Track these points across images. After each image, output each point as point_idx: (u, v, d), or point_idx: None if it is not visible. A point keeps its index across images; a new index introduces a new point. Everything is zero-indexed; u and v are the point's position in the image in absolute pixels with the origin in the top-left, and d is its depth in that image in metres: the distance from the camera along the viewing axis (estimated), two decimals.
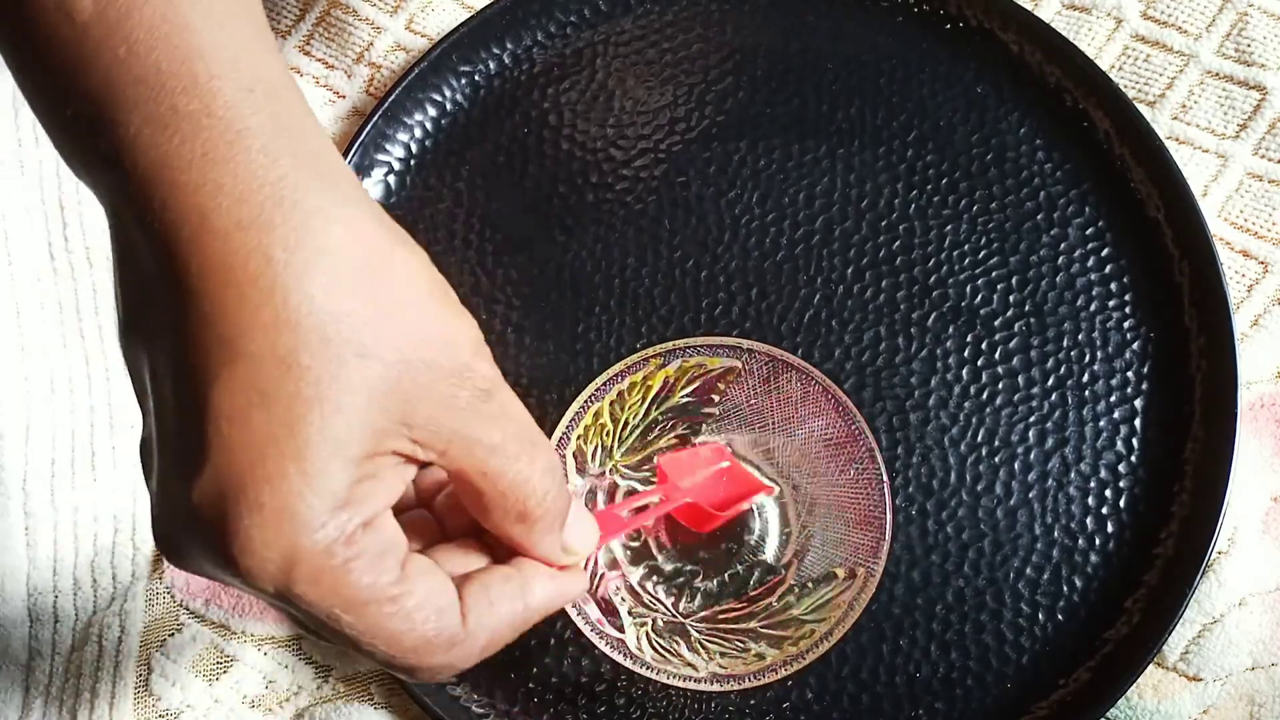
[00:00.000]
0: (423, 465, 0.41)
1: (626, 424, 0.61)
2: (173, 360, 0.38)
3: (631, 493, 0.62)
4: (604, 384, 0.59)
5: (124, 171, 0.39)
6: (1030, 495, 0.63)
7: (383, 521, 0.40)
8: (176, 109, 0.39)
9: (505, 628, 0.43)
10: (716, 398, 0.61)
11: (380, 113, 0.68)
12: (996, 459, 0.63)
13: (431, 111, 0.69)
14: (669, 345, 0.59)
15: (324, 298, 0.38)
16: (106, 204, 0.41)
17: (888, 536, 0.57)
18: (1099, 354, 0.64)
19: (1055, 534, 0.62)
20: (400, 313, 0.39)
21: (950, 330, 0.65)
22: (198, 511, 0.37)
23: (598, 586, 0.60)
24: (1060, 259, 0.65)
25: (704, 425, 0.62)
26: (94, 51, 0.39)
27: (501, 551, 0.45)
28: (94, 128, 0.40)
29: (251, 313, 0.37)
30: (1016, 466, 0.63)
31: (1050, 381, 0.64)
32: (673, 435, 0.62)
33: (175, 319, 0.38)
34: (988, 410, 0.64)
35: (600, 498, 0.61)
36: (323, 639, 0.42)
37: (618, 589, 0.60)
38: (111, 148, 0.39)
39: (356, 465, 0.38)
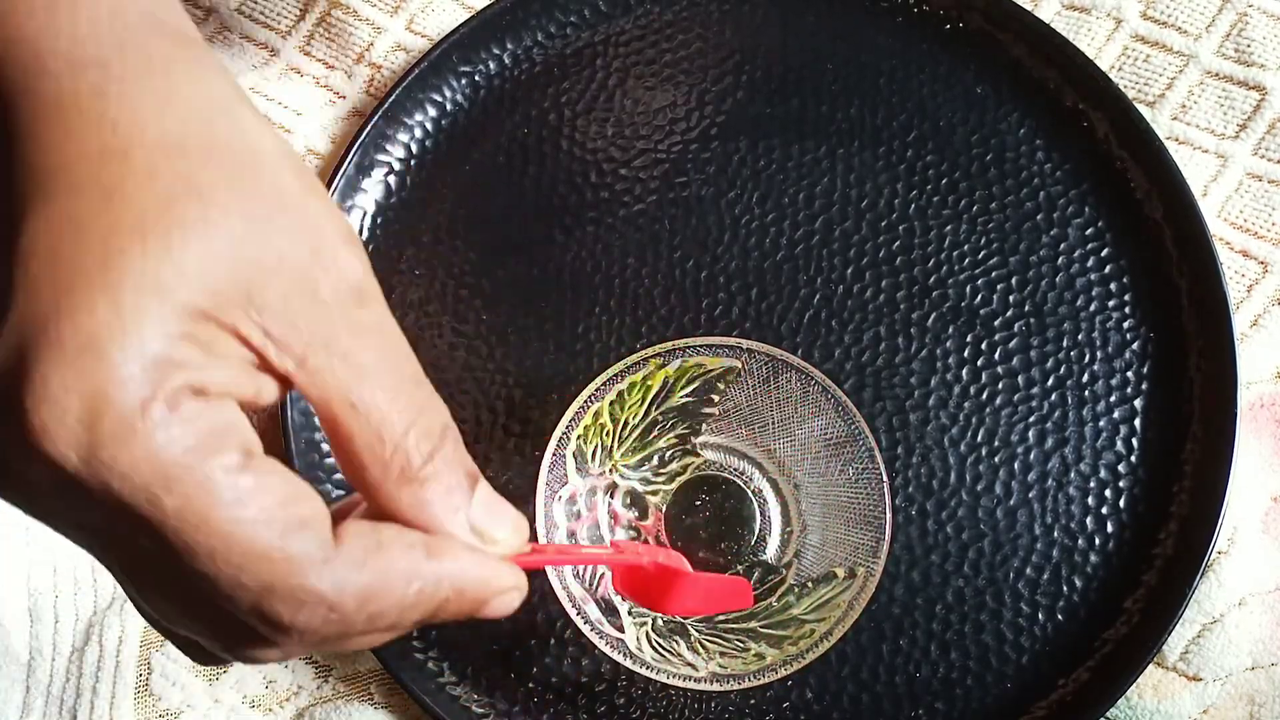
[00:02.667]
0: (282, 380, 0.34)
1: (626, 424, 0.61)
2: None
3: (631, 492, 0.62)
4: (604, 384, 0.59)
5: None
6: (1030, 495, 0.63)
7: (224, 403, 0.33)
8: None
9: (398, 581, 0.35)
10: (716, 398, 0.61)
11: (380, 113, 0.68)
12: (996, 459, 0.63)
13: (431, 111, 0.69)
14: (669, 345, 0.59)
15: (160, 131, 0.33)
16: None
17: (887, 536, 0.57)
18: (1099, 354, 0.64)
19: (1055, 534, 0.62)
20: (253, 168, 0.34)
21: (950, 330, 0.65)
22: None
23: (598, 586, 0.60)
24: (1060, 259, 0.65)
25: (704, 425, 0.62)
26: None
27: None
28: None
29: (76, 145, 0.33)
30: (1016, 466, 0.63)
31: (1050, 381, 0.64)
32: (673, 435, 0.62)
33: (3, 177, 0.34)
34: (988, 410, 0.64)
35: (600, 497, 0.61)
36: (143, 577, 0.34)
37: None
38: None
39: (181, 319, 0.31)
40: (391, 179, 0.68)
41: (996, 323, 0.65)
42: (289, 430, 0.63)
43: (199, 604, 0.33)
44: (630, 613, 0.59)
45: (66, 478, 0.31)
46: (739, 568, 0.61)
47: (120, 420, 0.30)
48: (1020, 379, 0.64)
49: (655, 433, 0.62)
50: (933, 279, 0.65)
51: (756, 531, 0.62)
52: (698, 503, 0.62)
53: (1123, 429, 0.63)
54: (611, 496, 0.62)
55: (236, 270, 0.32)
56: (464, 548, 0.37)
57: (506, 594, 0.38)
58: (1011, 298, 0.65)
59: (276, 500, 0.33)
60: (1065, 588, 0.62)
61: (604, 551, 0.53)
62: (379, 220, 0.68)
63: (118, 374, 0.30)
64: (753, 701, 0.61)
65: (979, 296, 0.65)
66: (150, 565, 0.33)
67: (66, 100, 0.33)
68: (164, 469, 0.31)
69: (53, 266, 0.31)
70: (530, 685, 0.63)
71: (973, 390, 0.64)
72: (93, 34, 0.34)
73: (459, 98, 0.69)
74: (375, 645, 0.38)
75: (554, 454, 0.58)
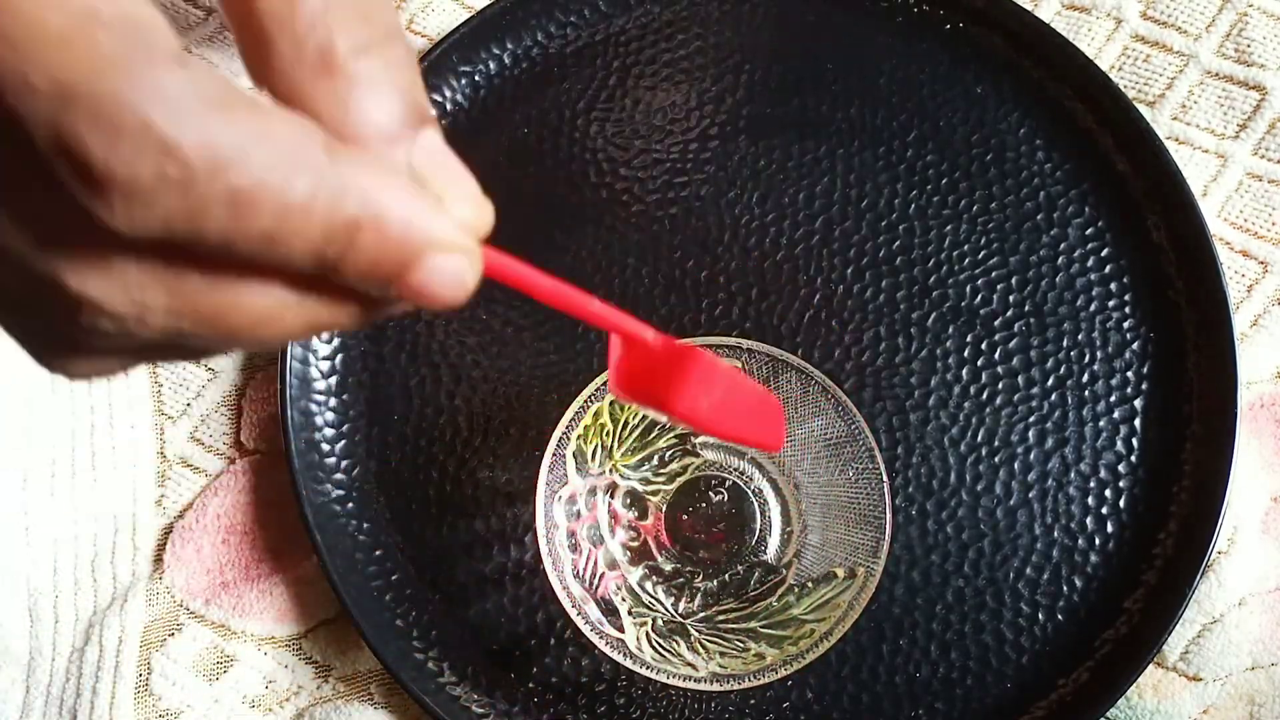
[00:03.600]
0: None
1: (626, 424, 0.61)
2: None
3: (631, 492, 0.62)
4: (604, 384, 0.59)
5: None
6: (1030, 495, 0.63)
7: None
8: None
9: (278, 159, 0.26)
10: None
11: None
12: (996, 459, 0.63)
13: (431, 111, 0.69)
14: None
15: None
16: None
17: (887, 536, 0.57)
18: (1099, 354, 0.64)
19: (1055, 534, 0.63)
20: None
21: (950, 330, 0.65)
22: None
23: (598, 586, 0.60)
24: (1060, 259, 0.65)
25: None
26: None
27: None
28: None
29: None
30: (1016, 466, 0.63)
31: (1050, 381, 0.64)
32: (672, 435, 0.62)
33: None
34: (988, 410, 0.64)
35: (600, 497, 0.61)
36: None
37: (618, 589, 0.60)
38: None
39: None
40: None
41: (996, 323, 0.65)
42: (289, 430, 0.63)
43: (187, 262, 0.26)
44: (630, 613, 0.59)
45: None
46: (739, 568, 0.61)
47: None
48: (1020, 379, 0.64)
49: (655, 433, 0.62)
50: (933, 279, 0.66)
51: (757, 531, 0.62)
52: (698, 503, 0.62)
53: (1123, 429, 0.63)
54: (611, 496, 0.62)
55: None
56: (390, 170, 0.29)
57: (448, 254, 0.29)
58: (1011, 298, 0.65)
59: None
60: (1065, 588, 0.62)
61: (589, 306, 0.38)
62: None
63: None
64: (752, 701, 0.62)
65: (979, 296, 0.65)
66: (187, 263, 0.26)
67: None
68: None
69: None
70: (530, 685, 0.63)
71: (973, 390, 0.64)
72: None
73: (459, 98, 0.69)
74: (256, 322, 0.28)
75: (554, 454, 0.58)
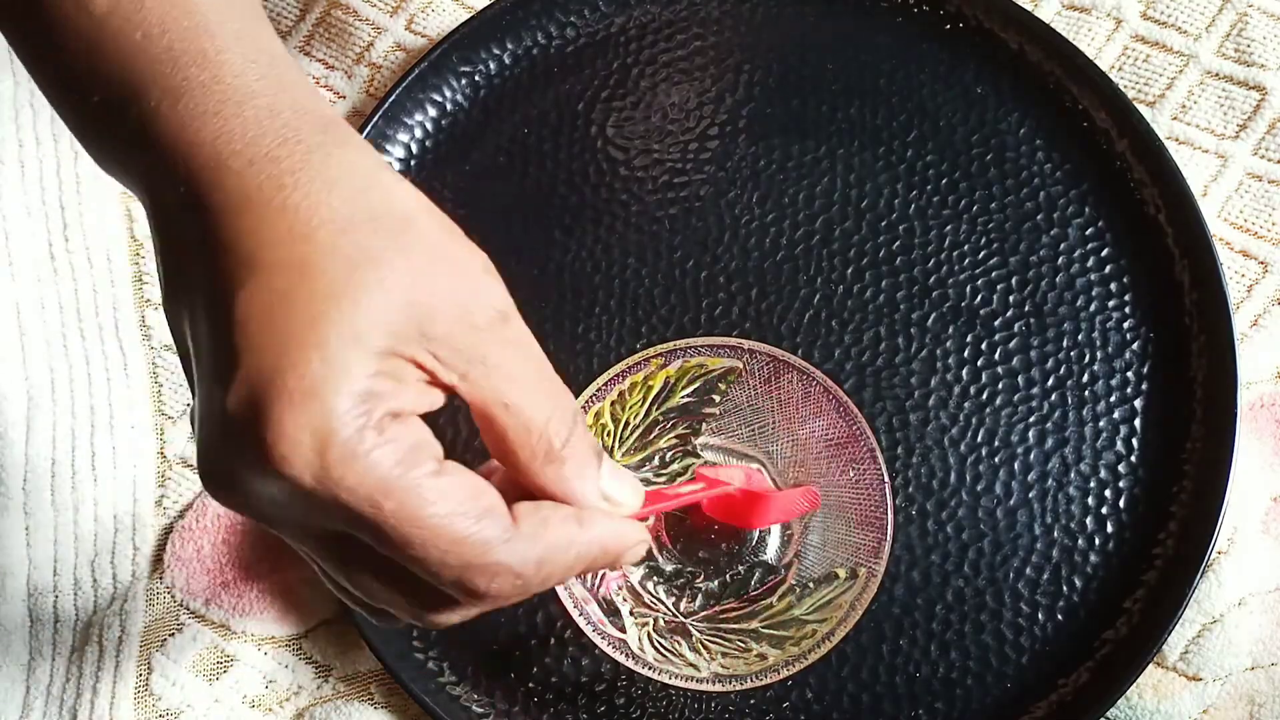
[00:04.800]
0: (447, 390, 0.41)
1: (627, 424, 0.61)
2: (207, 299, 0.40)
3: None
4: (605, 384, 0.59)
5: (150, 146, 0.42)
6: (1030, 495, 0.63)
7: (413, 421, 0.40)
8: (189, 79, 0.42)
9: (562, 546, 0.42)
10: (717, 398, 0.61)
11: (380, 113, 0.68)
12: (996, 459, 0.63)
13: (431, 111, 0.69)
14: (670, 345, 0.59)
15: (333, 213, 0.40)
16: (142, 186, 0.44)
17: (889, 537, 0.57)
18: (1099, 354, 0.64)
19: (1055, 534, 0.63)
20: (408, 230, 0.41)
21: (950, 330, 0.65)
22: (233, 419, 0.38)
23: (599, 586, 0.60)
24: (1060, 259, 0.65)
25: (705, 425, 0.62)
26: (112, 39, 0.43)
27: None
28: (118, 111, 0.43)
29: (269, 229, 0.39)
30: (1016, 466, 0.63)
31: (1050, 381, 0.64)
32: (673, 435, 0.62)
33: (206, 262, 0.40)
34: (988, 410, 0.64)
35: None
36: (354, 564, 0.42)
37: (619, 589, 0.60)
38: (137, 125, 0.42)
39: (376, 359, 0.39)
40: None
41: (996, 323, 0.65)
42: None
43: (406, 581, 0.41)
44: (632, 613, 0.59)
45: (301, 493, 0.38)
46: (740, 568, 0.61)
47: (343, 446, 0.38)
48: (1020, 379, 0.64)
49: (656, 433, 0.62)
50: (933, 279, 0.66)
51: (757, 532, 0.62)
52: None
53: (1123, 429, 0.63)
54: None
55: (409, 313, 0.39)
56: (603, 515, 0.44)
57: (637, 546, 0.46)
58: (1011, 298, 0.65)
59: (466, 495, 0.40)
60: (1065, 588, 0.62)
61: (699, 488, 0.57)
62: None
63: (337, 411, 0.38)
64: (753, 701, 0.62)
65: (979, 296, 0.65)
66: (364, 555, 0.40)
67: (251, 192, 0.40)
68: (381, 481, 0.38)
69: (269, 330, 0.38)
70: (530, 685, 0.63)
71: (973, 390, 0.64)
72: (259, 133, 0.41)
73: (459, 98, 0.69)
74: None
75: None
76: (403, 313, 0.39)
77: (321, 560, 0.43)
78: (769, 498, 0.59)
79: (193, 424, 0.41)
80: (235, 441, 0.39)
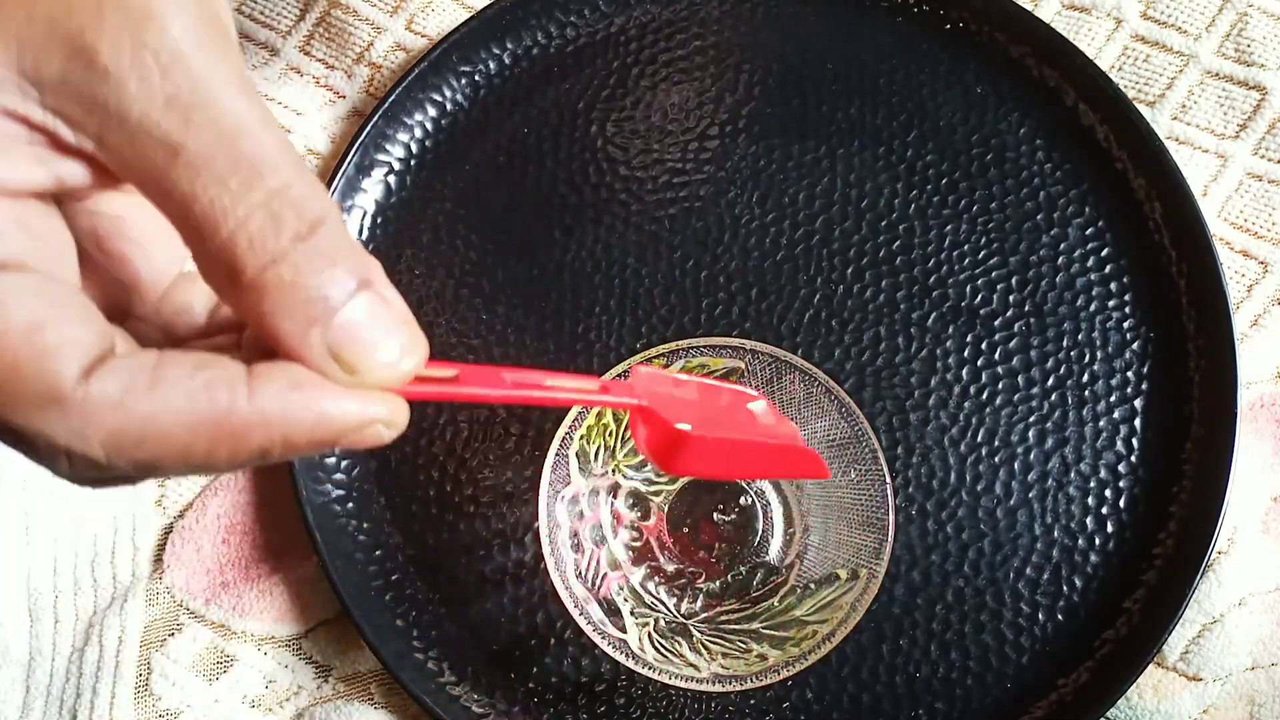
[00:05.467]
0: (79, 156, 0.30)
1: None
2: None
3: (634, 493, 0.62)
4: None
5: None
6: (1030, 495, 0.63)
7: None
8: None
9: (176, 430, 0.30)
10: None
11: (380, 113, 0.68)
12: (996, 459, 0.63)
13: (431, 111, 0.69)
14: (672, 345, 0.59)
15: None
16: None
17: (890, 538, 0.57)
18: (1099, 354, 0.64)
19: (1055, 534, 0.63)
20: None
21: (950, 330, 0.65)
22: None
23: (600, 586, 0.60)
24: (1060, 259, 0.65)
25: None
26: None
27: None
28: None
29: None
30: (1016, 466, 0.63)
31: (1050, 381, 0.64)
32: None
33: None
34: (988, 410, 0.64)
35: (603, 497, 0.61)
36: None
37: (620, 589, 0.60)
38: None
39: None
40: (391, 179, 0.68)
41: (996, 323, 0.65)
42: None
43: None
44: (633, 613, 0.59)
45: None
46: (741, 569, 0.61)
47: None
48: (1020, 379, 0.64)
49: None
50: (933, 279, 0.66)
51: (759, 532, 0.62)
52: (700, 504, 0.62)
53: (1123, 429, 0.63)
54: (614, 497, 0.62)
55: (8, 45, 0.28)
56: (296, 382, 0.31)
57: (362, 430, 0.32)
58: (1011, 298, 0.65)
59: (22, 323, 0.29)
60: (1065, 588, 0.62)
61: (574, 386, 0.38)
62: (379, 220, 0.68)
63: None
64: (753, 702, 0.62)
65: (979, 296, 0.65)
66: None
67: None
68: None
69: None
70: (530, 685, 0.63)
71: (973, 390, 0.64)
72: None
73: (459, 98, 0.69)
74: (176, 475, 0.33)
75: (558, 454, 0.58)
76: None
77: None
78: (692, 435, 0.42)
79: None
80: None
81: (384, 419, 0.32)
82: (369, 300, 0.31)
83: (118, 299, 0.35)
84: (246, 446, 0.30)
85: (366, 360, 0.31)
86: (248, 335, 0.33)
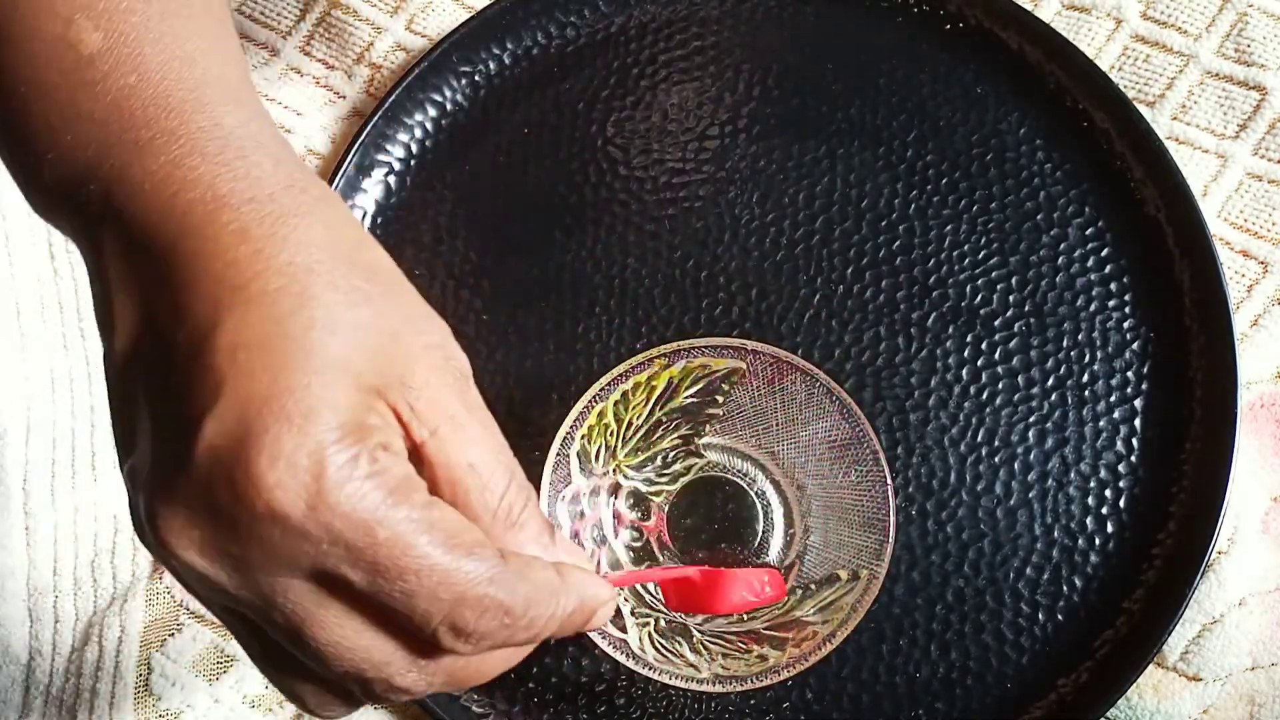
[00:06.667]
0: (413, 446, 0.41)
1: (630, 424, 0.61)
2: (185, 333, 0.39)
3: (634, 493, 0.62)
4: (608, 384, 0.59)
5: (128, 187, 0.42)
6: (1030, 495, 0.63)
7: (400, 455, 0.40)
8: (189, 124, 0.42)
9: (546, 591, 0.42)
10: (720, 399, 0.61)
11: (380, 113, 0.68)
12: (996, 459, 0.63)
13: (431, 111, 0.69)
14: (673, 346, 0.59)
15: (330, 253, 0.40)
16: (89, 238, 0.43)
17: (891, 539, 0.57)
18: (1099, 354, 0.64)
19: (1055, 534, 0.63)
20: (395, 285, 0.42)
21: (950, 330, 0.65)
22: (212, 449, 0.37)
23: None
24: (1060, 259, 0.65)
25: (707, 426, 0.62)
26: (102, 79, 0.43)
27: None
28: (91, 154, 0.42)
29: (266, 260, 0.39)
30: (1016, 466, 0.63)
31: (1050, 381, 0.64)
32: (676, 436, 0.62)
33: (185, 296, 0.39)
34: (988, 410, 0.64)
35: (603, 498, 0.61)
36: (322, 613, 0.39)
37: (620, 589, 0.60)
38: (118, 164, 0.42)
39: (367, 394, 0.39)
40: (391, 179, 0.68)
41: (996, 323, 0.65)
42: None
43: (393, 629, 0.40)
44: (633, 613, 0.59)
45: (289, 524, 0.37)
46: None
47: (339, 471, 0.37)
48: (1020, 379, 0.64)
49: (659, 433, 0.62)
50: (933, 279, 0.66)
51: (759, 533, 0.62)
52: (701, 504, 0.62)
53: (1123, 429, 0.63)
54: (615, 497, 0.62)
55: (397, 358, 0.40)
56: (575, 569, 0.44)
57: (607, 605, 0.46)
58: (1011, 298, 0.65)
59: (455, 529, 0.39)
60: (1065, 588, 0.62)
61: (658, 572, 0.58)
62: (379, 220, 0.68)
63: (334, 436, 0.37)
64: (753, 702, 0.62)
65: (979, 296, 0.65)
66: (339, 598, 0.39)
67: (251, 228, 0.40)
68: (375, 509, 0.37)
69: (263, 355, 0.38)
70: (530, 685, 0.63)
71: (973, 390, 0.64)
72: (262, 175, 0.41)
73: (459, 98, 0.69)
74: (515, 661, 0.44)
75: (558, 453, 0.58)
76: (390, 356, 0.40)
77: (282, 617, 0.40)
78: (729, 580, 0.57)
79: (134, 481, 0.40)
80: (211, 477, 0.37)
81: (614, 599, 0.46)
82: (561, 535, 0.45)
83: None
84: (567, 606, 0.43)
85: (571, 557, 0.45)
86: None
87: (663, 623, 0.60)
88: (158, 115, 0.42)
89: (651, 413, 0.61)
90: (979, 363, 0.64)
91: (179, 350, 0.39)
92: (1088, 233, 0.66)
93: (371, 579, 0.38)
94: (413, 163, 0.69)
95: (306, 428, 0.37)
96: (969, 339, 0.65)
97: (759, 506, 0.62)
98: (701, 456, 0.63)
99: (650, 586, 0.61)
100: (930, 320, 0.65)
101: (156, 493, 0.38)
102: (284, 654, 0.41)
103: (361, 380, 0.39)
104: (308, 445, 0.37)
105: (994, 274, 0.65)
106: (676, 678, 0.57)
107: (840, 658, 0.62)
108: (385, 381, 0.39)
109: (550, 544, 0.44)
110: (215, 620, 0.64)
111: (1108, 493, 0.63)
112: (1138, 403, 0.64)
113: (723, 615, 0.59)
